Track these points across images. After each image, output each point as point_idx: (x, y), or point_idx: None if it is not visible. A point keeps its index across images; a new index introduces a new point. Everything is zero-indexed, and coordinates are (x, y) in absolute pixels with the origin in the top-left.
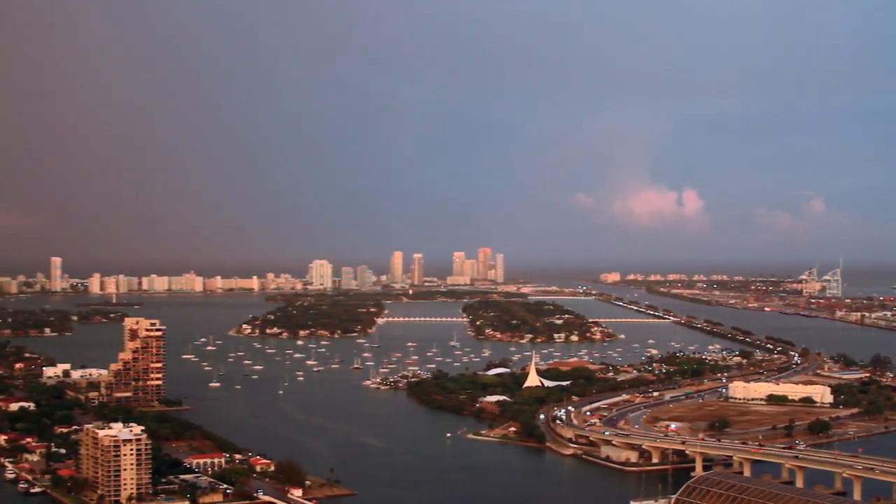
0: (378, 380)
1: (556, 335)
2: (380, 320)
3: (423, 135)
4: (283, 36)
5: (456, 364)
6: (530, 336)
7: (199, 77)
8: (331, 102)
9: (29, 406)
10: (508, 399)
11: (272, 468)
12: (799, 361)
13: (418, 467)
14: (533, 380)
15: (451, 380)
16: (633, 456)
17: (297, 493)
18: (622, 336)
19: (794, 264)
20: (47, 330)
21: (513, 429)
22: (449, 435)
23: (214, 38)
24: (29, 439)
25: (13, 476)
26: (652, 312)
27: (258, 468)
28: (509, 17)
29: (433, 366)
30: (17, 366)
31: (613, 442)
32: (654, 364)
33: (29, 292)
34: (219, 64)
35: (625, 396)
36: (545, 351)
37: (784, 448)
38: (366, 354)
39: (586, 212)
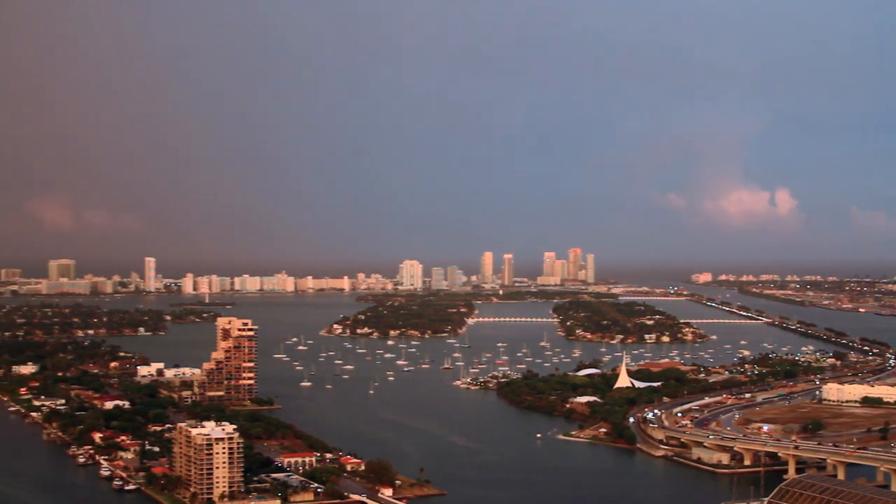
0: (468, 380)
1: (646, 336)
2: (470, 320)
3: (515, 135)
4: (373, 36)
5: (546, 364)
6: (621, 337)
7: (294, 78)
8: (422, 102)
9: (124, 404)
10: (599, 400)
11: (363, 467)
12: (894, 363)
13: (508, 467)
14: (623, 381)
15: (541, 380)
16: (724, 458)
17: (387, 492)
18: (714, 337)
19: (889, 264)
20: (141, 329)
21: (603, 430)
22: (539, 435)
23: (312, 38)
24: (123, 437)
25: (108, 473)
26: (744, 313)
27: (349, 467)
28: (601, 15)
29: (523, 366)
30: (112, 365)
31: (705, 444)
32: (747, 365)
33: (124, 292)
34: (316, 63)
35: (717, 398)
36: (636, 352)
37: (879, 451)
38: (456, 355)
39: (678, 212)
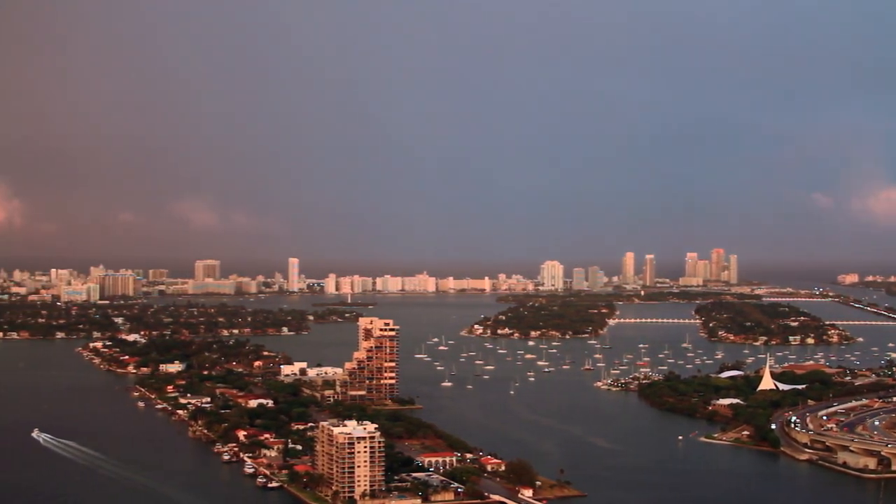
0: (609, 381)
1: (791, 338)
2: (611, 321)
3: (655, 134)
4: (504, 37)
5: (688, 366)
6: (764, 338)
7: (433, 78)
8: (557, 104)
9: (267, 403)
10: (742, 402)
11: (503, 468)
12: None
13: (649, 470)
14: (767, 383)
15: (683, 382)
16: (871, 462)
17: (527, 493)
18: (860, 339)
19: None
20: (285, 329)
21: (746, 432)
22: (681, 437)
23: (447, 46)
24: (267, 435)
25: (252, 471)
26: (892, 315)
27: (489, 467)
28: (738, 13)
29: (665, 367)
30: (256, 364)
31: (851, 448)
32: (895, 368)
33: (268, 292)
34: (450, 67)
35: (863, 401)
36: (780, 354)
37: None
38: (597, 356)
39: (824, 211)
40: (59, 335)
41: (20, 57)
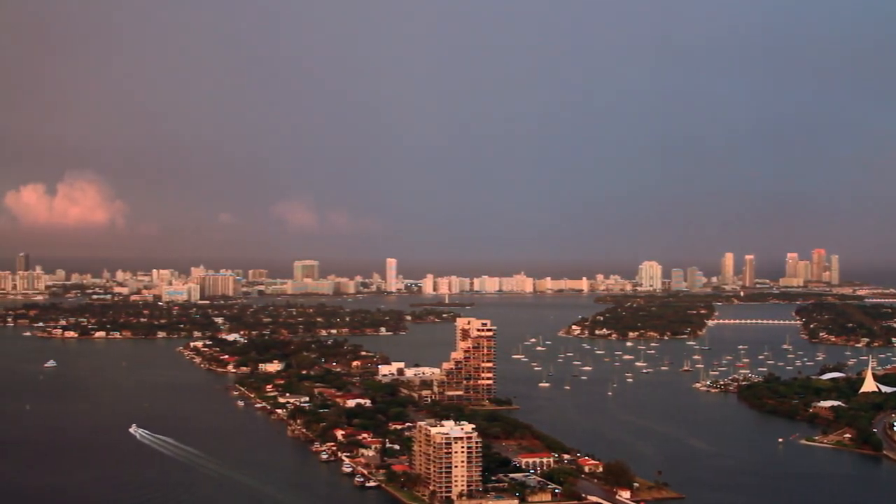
0: (708, 382)
1: (894, 339)
2: (710, 322)
3: (755, 133)
4: (612, 36)
5: (788, 368)
6: (867, 340)
7: (533, 79)
8: (650, 103)
9: (365, 403)
10: (843, 404)
11: (600, 469)
12: None
13: (748, 472)
14: (870, 385)
15: (783, 383)
16: None
17: (624, 494)
18: None
19: None
20: (383, 329)
21: (847, 435)
22: (781, 440)
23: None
24: (365, 435)
25: (350, 470)
26: None
27: (586, 468)
28: (839, 11)
29: (764, 369)
30: (355, 364)
31: None
32: None
33: (366, 293)
34: (555, 68)
35: None
36: (882, 356)
37: None
38: (695, 357)
39: None
40: (161, 335)
41: (122, 61)
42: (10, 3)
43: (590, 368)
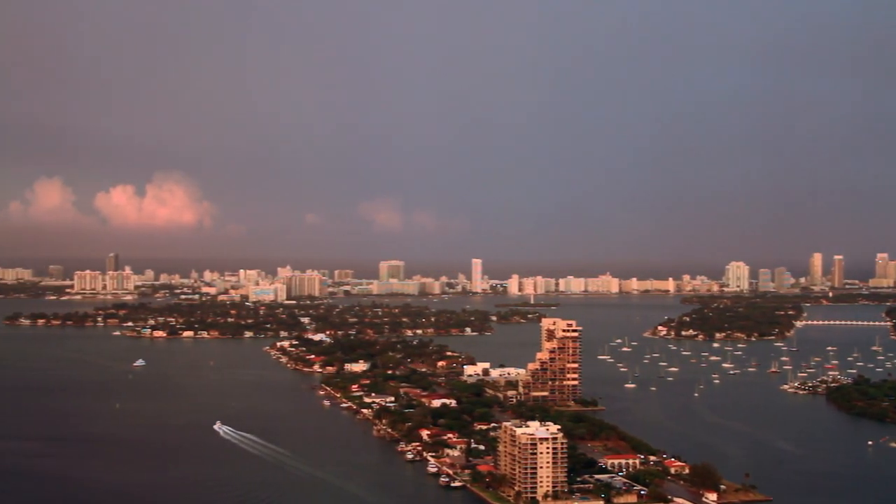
0: (796, 384)
1: None
2: (798, 323)
3: (843, 132)
4: (692, 36)
5: (878, 369)
6: None
7: (623, 77)
8: (741, 102)
9: (450, 403)
10: None
11: (686, 471)
12: None
13: (837, 475)
14: None
15: (872, 385)
16: None
17: (711, 496)
18: None
19: None
20: (468, 329)
21: None
22: (870, 443)
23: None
24: (450, 435)
25: (435, 470)
26: None
27: (672, 470)
28: None
29: (854, 371)
30: (440, 364)
31: None
32: None
33: (451, 293)
34: (623, 63)
35: None
36: None
37: None
38: (783, 358)
39: None
40: (248, 335)
41: (210, 65)
42: (104, 9)
43: (676, 369)
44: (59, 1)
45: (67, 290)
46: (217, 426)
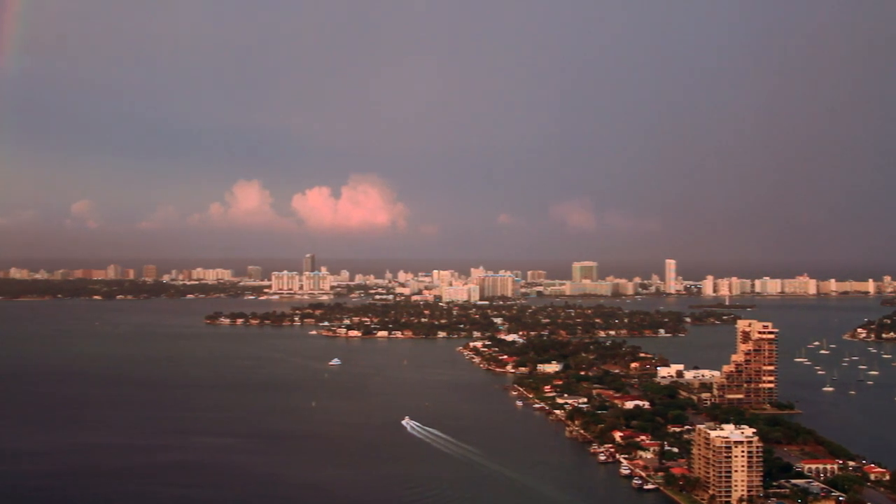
0: None
1: None
2: None
3: None
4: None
5: None
6: None
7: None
8: None
9: (644, 404)
10: None
11: (887, 477)
12: None
13: None
14: None
15: None
16: None
17: None
18: None
19: None
20: (661, 331)
21: None
22: None
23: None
24: (643, 437)
25: (627, 472)
26: None
27: (872, 476)
28: None
29: None
30: (633, 365)
31: None
32: None
33: (644, 294)
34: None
35: None
36: None
37: None
38: None
39: None
40: (441, 335)
41: (402, 67)
42: (301, 15)
43: (876, 373)
44: (257, 7)
45: (265, 290)
46: (405, 421)
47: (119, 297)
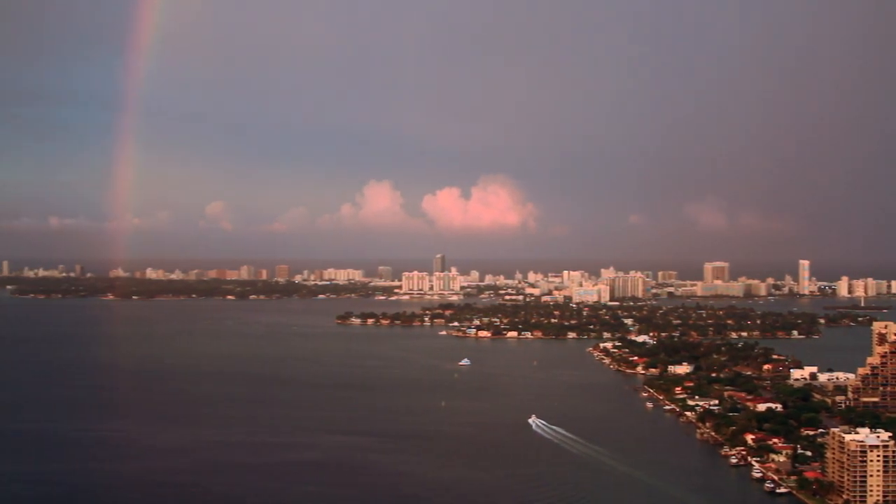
0: None
1: None
2: None
3: None
4: None
5: None
6: None
7: None
8: None
9: (776, 407)
10: None
11: None
12: None
13: None
14: None
15: None
16: None
17: None
18: None
19: None
20: (794, 332)
21: None
22: None
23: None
24: (775, 440)
25: (759, 475)
26: None
27: None
28: None
29: None
30: (766, 367)
31: None
32: None
33: (777, 295)
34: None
35: None
36: None
37: None
38: None
39: None
40: (571, 335)
41: (529, 66)
42: (426, 17)
43: None
44: (384, 9)
45: (396, 291)
46: (532, 420)
47: (252, 297)
